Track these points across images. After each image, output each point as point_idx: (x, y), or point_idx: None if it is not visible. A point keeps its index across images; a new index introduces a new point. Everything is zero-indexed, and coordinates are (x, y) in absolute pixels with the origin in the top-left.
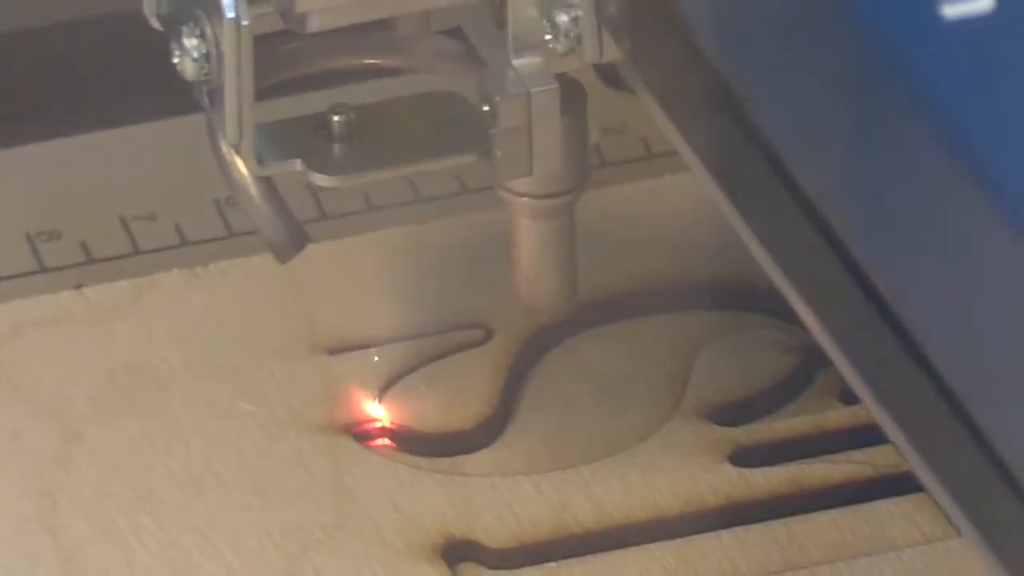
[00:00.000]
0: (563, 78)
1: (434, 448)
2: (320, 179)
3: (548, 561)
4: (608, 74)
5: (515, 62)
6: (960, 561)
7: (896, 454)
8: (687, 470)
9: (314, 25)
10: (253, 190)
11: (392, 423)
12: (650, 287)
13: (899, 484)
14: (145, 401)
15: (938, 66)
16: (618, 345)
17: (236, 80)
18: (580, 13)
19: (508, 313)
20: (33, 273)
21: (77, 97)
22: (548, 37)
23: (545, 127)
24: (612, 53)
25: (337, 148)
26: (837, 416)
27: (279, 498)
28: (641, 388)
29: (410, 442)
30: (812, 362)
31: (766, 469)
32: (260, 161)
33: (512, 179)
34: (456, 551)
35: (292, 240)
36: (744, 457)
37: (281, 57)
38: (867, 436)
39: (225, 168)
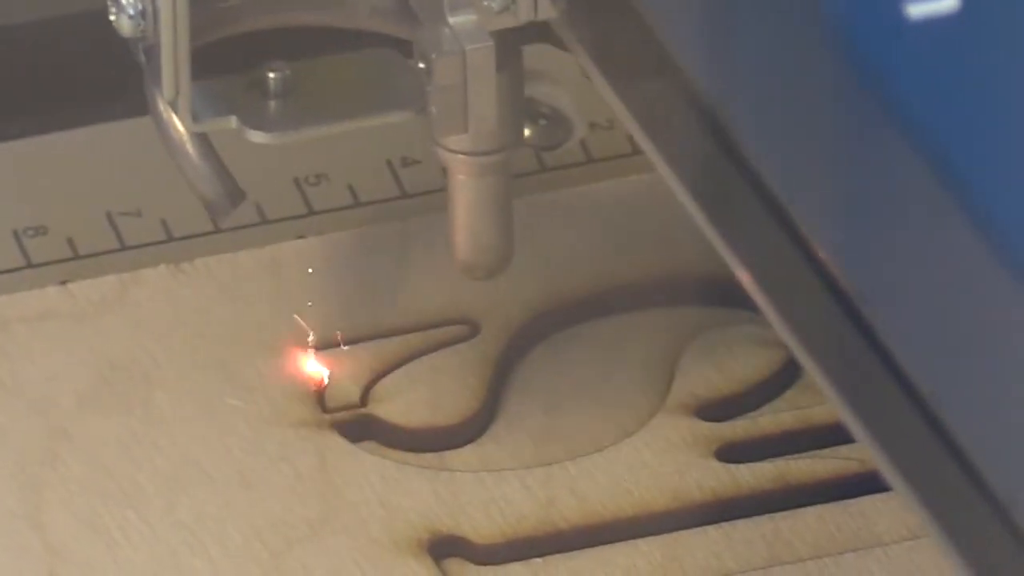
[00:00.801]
0: (498, 35)
1: (420, 443)
2: (255, 136)
3: (534, 557)
4: None
5: (451, 19)
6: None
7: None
8: (673, 466)
9: None
10: (189, 147)
11: (378, 418)
12: (636, 283)
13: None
14: (131, 397)
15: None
16: (604, 341)
17: (172, 37)
18: None
19: (494, 309)
20: (19, 269)
21: (63, 93)
22: None
23: (480, 84)
24: (547, 11)
25: (273, 105)
26: (824, 412)
27: (265, 493)
28: (627, 384)
29: (396, 437)
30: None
31: (753, 465)
32: (196, 118)
33: (448, 136)
34: (442, 547)
35: (229, 197)
36: (731, 453)
37: (217, 15)
38: None
39: (162, 126)
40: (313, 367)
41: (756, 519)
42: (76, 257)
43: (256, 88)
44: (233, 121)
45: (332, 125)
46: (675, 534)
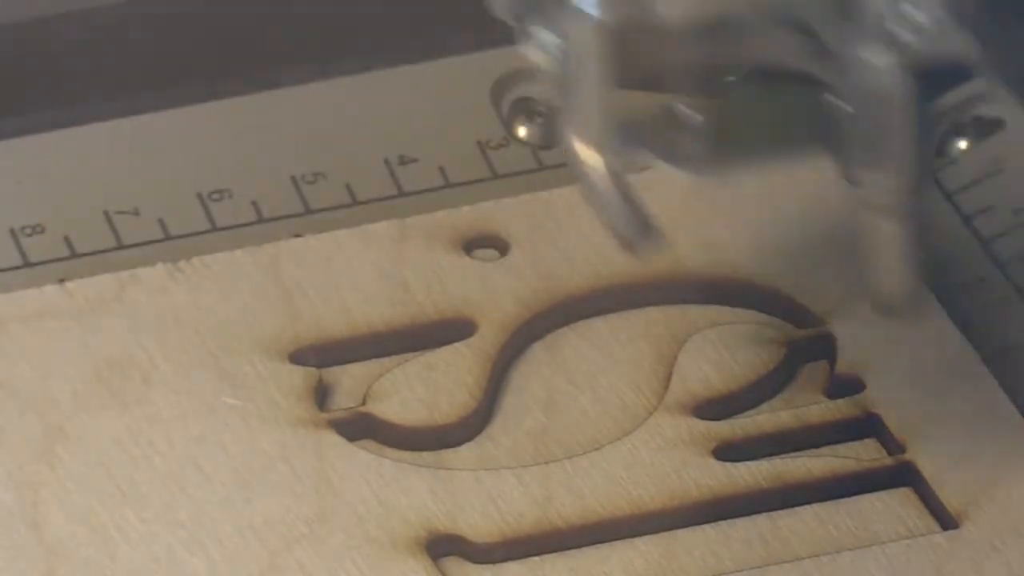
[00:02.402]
0: (912, 73)
1: (418, 442)
2: (672, 170)
3: (532, 555)
4: None
5: (864, 54)
6: (944, 556)
7: (879, 449)
8: (671, 464)
9: (671, 21)
10: (604, 184)
11: (376, 417)
12: (633, 282)
13: (883, 479)
14: (128, 395)
15: None
16: (601, 339)
17: (592, 74)
18: (928, 4)
19: (491, 308)
20: (17, 268)
21: (60, 92)
22: (896, 29)
23: (897, 121)
24: (961, 45)
25: (691, 142)
26: (821, 410)
27: (262, 492)
28: (624, 383)
29: (394, 436)
30: (796, 357)
31: (750, 463)
32: (614, 155)
33: (864, 173)
34: (440, 545)
35: (643, 233)
36: (728, 451)
37: (632, 51)
38: (851, 431)
39: (575, 162)
40: (310, 366)
41: (753, 518)
42: (74, 256)
43: (673, 124)
44: (650, 156)
45: (751, 162)
46: (672, 532)
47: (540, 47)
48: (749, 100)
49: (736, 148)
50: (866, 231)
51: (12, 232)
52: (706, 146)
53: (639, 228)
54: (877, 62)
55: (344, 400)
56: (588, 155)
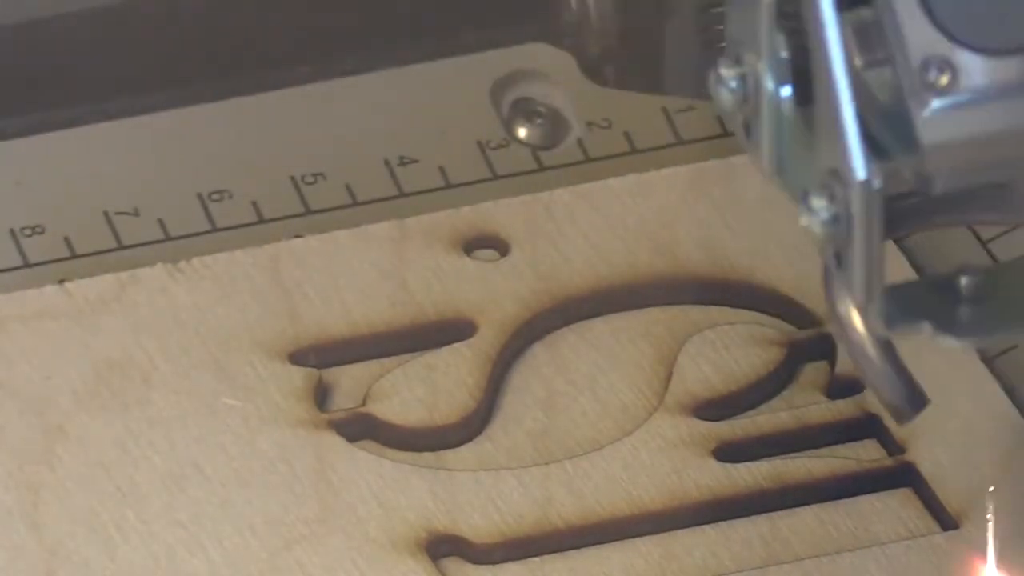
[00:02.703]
0: None
1: (418, 443)
2: (948, 341)
3: (532, 556)
4: (591, 69)
5: None
6: (944, 556)
7: (879, 450)
8: (671, 465)
9: (940, 186)
10: (873, 351)
11: (376, 418)
12: (633, 282)
13: (883, 479)
14: (128, 396)
15: None
16: (601, 340)
17: (866, 242)
18: None
19: (491, 308)
20: (16, 268)
21: (60, 92)
22: None
23: None
24: None
25: (964, 310)
26: (820, 411)
27: (262, 493)
28: (624, 383)
29: (394, 437)
30: (795, 357)
31: (750, 464)
32: (888, 324)
33: None
34: (440, 546)
35: (911, 402)
36: (728, 452)
37: (898, 214)
38: (851, 431)
39: (842, 327)
40: (310, 366)
41: (753, 518)
42: (73, 256)
43: (949, 292)
44: (926, 327)
45: None
46: (672, 533)
47: (816, 216)
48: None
49: (1012, 315)
50: None
51: (12, 232)
52: (983, 315)
53: (907, 397)
54: None
55: (344, 401)
56: (854, 319)
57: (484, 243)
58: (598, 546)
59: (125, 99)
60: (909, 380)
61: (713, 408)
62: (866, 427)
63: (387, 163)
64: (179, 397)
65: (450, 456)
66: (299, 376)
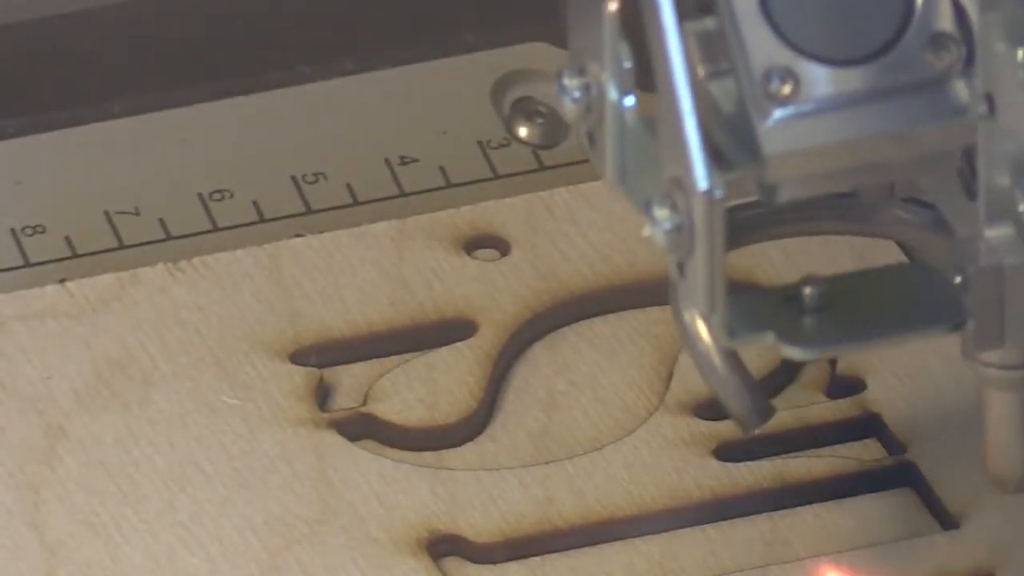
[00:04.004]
0: None
1: (418, 442)
2: (791, 351)
3: (532, 555)
4: None
5: (987, 232)
6: (944, 556)
7: (880, 449)
8: (671, 464)
9: (784, 196)
10: (718, 361)
11: (377, 417)
12: (634, 281)
13: (883, 479)
14: (129, 395)
15: None
16: (602, 339)
17: (709, 252)
18: None
19: (492, 307)
20: (17, 268)
21: (61, 92)
22: (1022, 208)
23: (1019, 298)
24: None
25: (808, 320)
26: (821, 410)
27: (263, 492)
28: (625, 382)
29: (395, 436)
30: None
31: (750, 463)
32: (731, 333)
33: (984, 351)
34: (441, 545)
35: (756, 412)
36: (728, 451)
37: (743, 224)
38: (851, 430)
39: (687, 336)
40: (311, 366)
41: (754, 518)
42: (74, 256)
43: (792, 302)
44: (769, 337)
45: (869, 342)
46: (673, 533)
47: (659, 226)
48: (869, 278)
49: (856, 327)
50: (987, 406)
51: (13, 232)
52: (827, 326)
53: (753, 407)
54: (998, 239)
55: (345, 400)
56: (699, 330)
57: (485, 242)
58: (599, 545)
59: (125, 99)
60: (755, 390)
61: (714, 407)
62: (867, 426)
63: (388, 163)
64: (180, 397)
65: (451, 455)
66: (300, 375)
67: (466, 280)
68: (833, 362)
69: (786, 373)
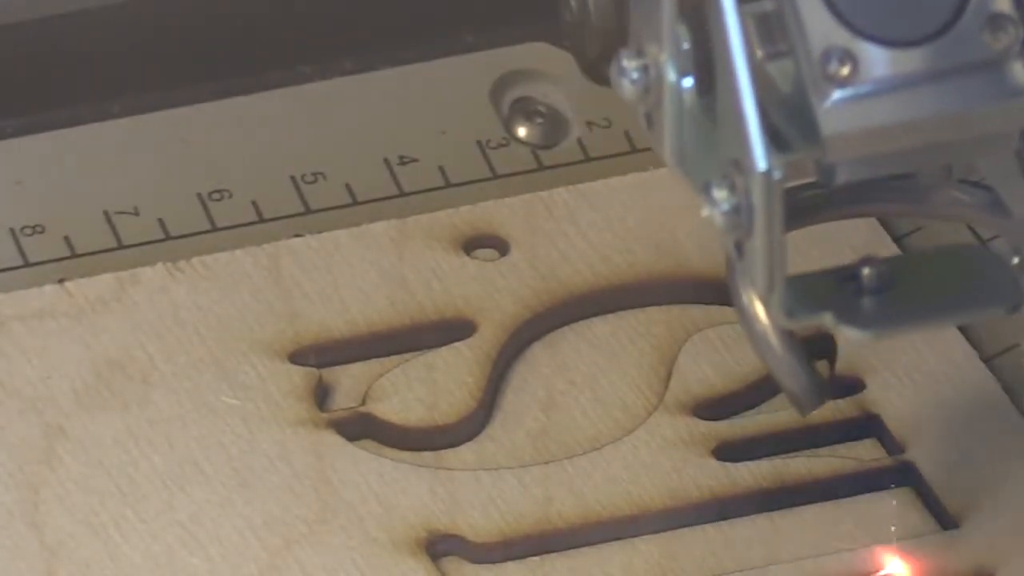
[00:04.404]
0: None
1: (418, 442)
2: (849, 332)
3: (532, 555)
4: (591, 69)
5: None
6: (943, 556)
7: (879, 449)
8: (671, 464)
9: (842, 177)
10: (775, 341)
11: (376, 417)
12: (633, 281)
13: (883, 479)
14: (128, 395)
15: None
16: (601, 339)
17: (767, 233)
18: None
19: (491, 307)
20: (16, 268)
21: (60, 92)
22: None
23: None
24: None
25: (867, 301)
26: (821, 411)
27: (262, 492)
28: (624, 382)
29: (394, 436)
30: None
31: (750, 463)
32: (789, 314)
33: None
34: (440, 545)
35: (813, 393)
36: (728, 451)
37: (801, 205)
38: (851, 430)
39: (745, 316)
40: (310, 366)
41: (753, 518)
42: (73, 256)
43: (851, 283)
44: (827, 318)
45: (927, 323)
46: (672, 532)
47: (717, 207)
48: (927, 260)
49: (913, 308)
50: None
51: (12, 232)
52: (884, 307)
53: (810, 388)
54: None
55: (344, 400)
56: (757, 310)
57: (484, 242)
58: (598, 545)
59: (125, 99)
60: (811, 371)
61: (713, 407)
62: (866, 426)
63: (387, 162)
64: (179, 396)
65: (450, 455)
66: (299, 375)
67: (465, 280)
68: (832, 362)
69: None
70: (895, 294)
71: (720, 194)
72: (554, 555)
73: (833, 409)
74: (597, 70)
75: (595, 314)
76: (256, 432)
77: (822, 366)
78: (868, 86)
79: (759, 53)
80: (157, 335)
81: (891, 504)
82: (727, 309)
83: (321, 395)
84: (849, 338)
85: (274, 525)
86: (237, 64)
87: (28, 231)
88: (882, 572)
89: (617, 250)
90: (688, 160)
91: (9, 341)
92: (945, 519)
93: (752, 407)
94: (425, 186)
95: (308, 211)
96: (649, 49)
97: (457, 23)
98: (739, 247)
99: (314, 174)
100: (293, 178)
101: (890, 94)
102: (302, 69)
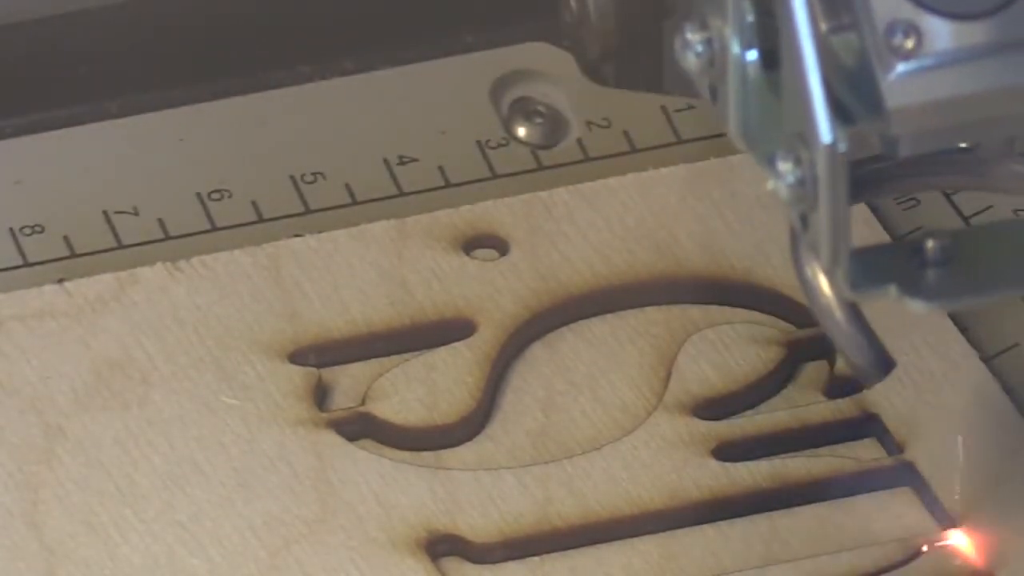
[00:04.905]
0: None
1: (417, 442)
2: (914, 304)
3: (531, 555)
4: (591, 69)
5: None
6: (942, 556)
7: (878, 449)
8: (670, 464)
9: (905, 150)
10: (839, 313)
11: (376, 417)
12: (633, 281)
13: (882, 479)
14: (128, 395)
15: None
16: (601, 339)
17: (832, 205)
18: None
19: (491, 307)
20: (16, 267)
21: (60, 92)
22: None
23: None
24: None
25: (931, 273)
26: (820, 410)
27: (262, 492)
28: (624, 383)
29: (393, 436)
30: (795, 356)
31: (749, 463)
32: (854, 286)
33: None
34: (439, 545)
35: (878, 364)
36: (727, 451)
37: (865, 178)
38: (850, 430)
39: (809, 289)
40: (310, 366)
41: (753, 518)
42: (73, 255)
43: (915, 256)
44: (892, 290)
45: (991, 295)
46: (672, 533)
47: (782, 180)
48: (991, 232)
49: (978, 280)
50: None
51: (11, 232)
52: (949, 279)
53: (875, 359)
54: None
55: (343, 400)
56: (820, 283)
57: (484, 242)
58: (597, 545)
59: (125, 98)
60: (876, 342)
61: (712, 407)
62: (865, 426)
63: (386, 162)
64: (179, 396)
65: (450, 455)
66: (299, 375)
67: (465, 280)
68: (832, 362)
69: (785, 373)
70: (959, 266)
71: (785, 167)
72: (554, 555)
73: (832, 409)
74: (597, 70)
75: (595, 314)
76: (256, 432)
77: (821, 366)
78: (932, 59)
79: (823, 26)
80: (157, 335)
81: (891, 504)
82: (726, 309)
83: (321, 395)
84: (914, 310)
85: (274, 525)
86: (237, 64)
87: (28, 231)
88: (943, 543)
89: (617, 250)
90: (752, 133)
91: (9, 341)
92: (944, 519)
93: (751, 407)
94: (425, 186)
95: (308, 211)
96: (713, 22)
97: (457, 23)
98: (804, 219)
99: (314, 174)
100: (293, 178)
101: (954, 67)
102: (302, 69)
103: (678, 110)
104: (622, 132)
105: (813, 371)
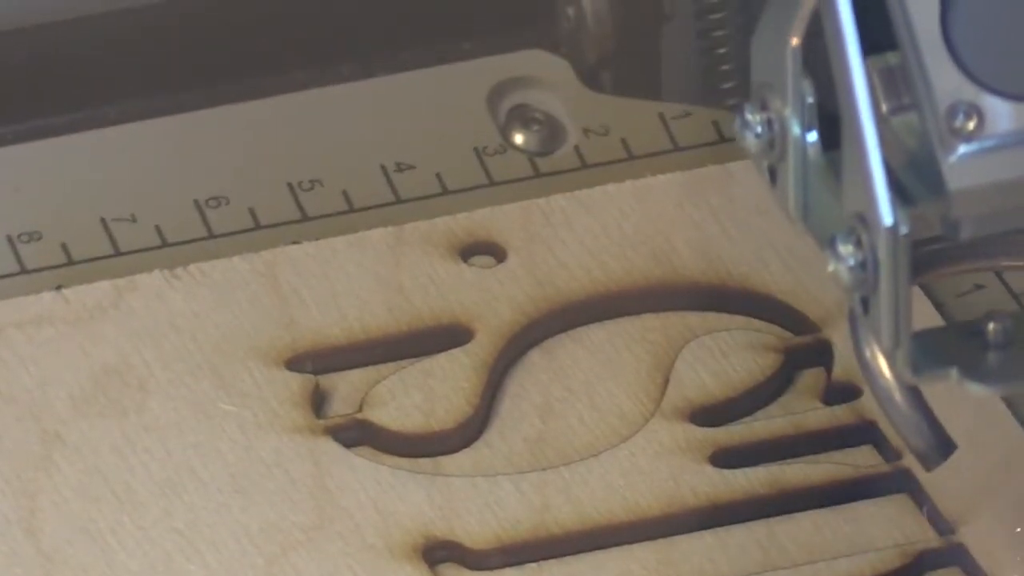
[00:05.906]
0: None
1: (415, 449)
2: (975, 388)
3: (529, 562)
4: (588, 76)
5: None
6: (940, 562)
7: (876, 456)
8: (668, 471)
9: (967, 231)
10: (899, 396)
11: (373, 424)
12: (631, 288)
13: (879, 485)
14: (125, 402)
15: None
16: (598, 346)
17: (893, 288)
18: None
19: (488, 314)
20: (14, 275)
21: (57, 99)
22: None
23: None
24: None
25: (992, 356)
26: (817, 417)
27: (259, 499)
28: (621, 389)
29: (391, 443)
30: (792, 363)
31: (747, 470)
32: (915, 370)
33: None
34: (437, 552)
35: (938, 448)
36: (725, 458)
37: (925, 259)
38: (848, 437)
39: (869, 372)
40: (307, 373)
41: (750, 524)
42: (70, 263)
43: (976, 338)
44: (953, 373)
45: None
46: (669, 539)
47: (842, 262)
48: None
49: None
50: None
51: (9, 239)
52: (1010, 362)
53: (935, 444)
54: None
55: (341, 407)
56: (880, 365)
57: (481, 249)
58: (595, 552)
59: (123, 105)
60: (937, 426)
61: (710, 414)
62: (863, 433)
63: (384, 169)
64: (176, 403)
65: (447, 462)
66: (296, 382)
67: (462, 287)
68: (828, 369)
69: (782, 380)
70: (1020, 348)
71: (846, 249)
72: (551, 561)
73: (830, 416)
74: (594, 77)
75: (592, 321)
76: (253, 439)
77: (819, 373)
78: (994, 140)
79: (884, 107)
80: (154, 342)
81: (888, 510)
82: (724, 316)
83: (318, 402)
84: (974, 393)
85: (271, 532)
86: (234, 71)
87: (25, 238)
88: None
89: (614, 257)
90: (812, 215)
91: (6, 348)
92: (942, 525)
93: (749, 414)
94: (422, 193)
95: (305, 218)
96: (773, 103)
97: (454, 30)
98: (864, 303)
99: (311, 181)
100: (290, 185)
101: (1016, 148)
102: (299, 76)
103: (675, 117)
104: (619, 139)
105: (810, 378)
